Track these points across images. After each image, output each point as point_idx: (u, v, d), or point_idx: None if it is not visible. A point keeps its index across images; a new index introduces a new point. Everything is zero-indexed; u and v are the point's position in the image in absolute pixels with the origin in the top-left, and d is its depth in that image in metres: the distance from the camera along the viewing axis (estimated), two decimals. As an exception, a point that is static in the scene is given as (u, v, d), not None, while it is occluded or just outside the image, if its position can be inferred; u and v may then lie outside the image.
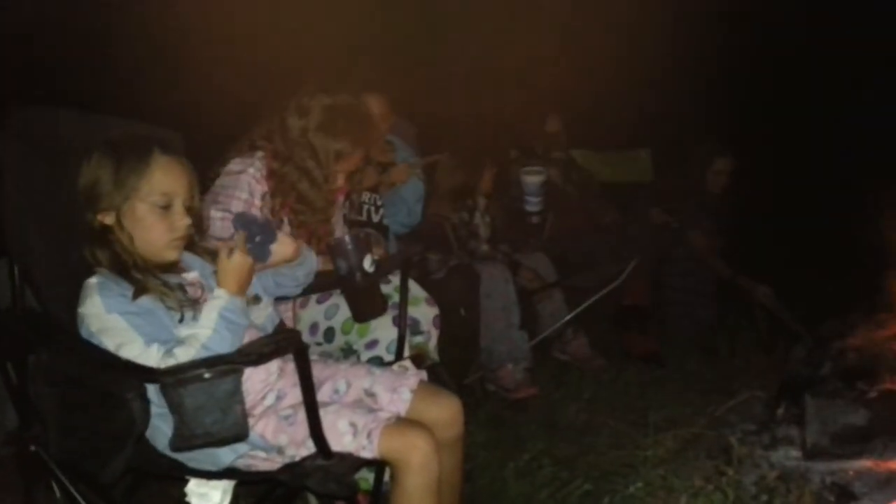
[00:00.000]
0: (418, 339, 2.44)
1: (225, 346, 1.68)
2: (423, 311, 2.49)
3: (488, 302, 3.41)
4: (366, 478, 2.21)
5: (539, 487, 2.48)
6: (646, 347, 3.94)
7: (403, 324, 2.34)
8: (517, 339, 3.41)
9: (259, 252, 1.90)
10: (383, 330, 2.32)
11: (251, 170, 2.34)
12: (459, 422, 2.04)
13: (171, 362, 1.64)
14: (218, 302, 1.74)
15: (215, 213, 2.24)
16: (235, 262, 1.80)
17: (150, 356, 1.65)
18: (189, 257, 1.94)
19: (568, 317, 3.79)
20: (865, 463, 2.50)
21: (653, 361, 3.82)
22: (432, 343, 2.48)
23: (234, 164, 2.36)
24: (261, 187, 2.35)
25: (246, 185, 2.32)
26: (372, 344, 2.32)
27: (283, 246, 2.00)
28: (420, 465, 1.77)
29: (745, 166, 4.49)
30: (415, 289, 2.49)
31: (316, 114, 2.37)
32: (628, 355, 3.92)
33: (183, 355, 1.65)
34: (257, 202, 2.33)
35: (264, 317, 2.00)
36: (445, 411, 2.02)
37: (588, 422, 3.05)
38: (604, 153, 5.10)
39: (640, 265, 4.03)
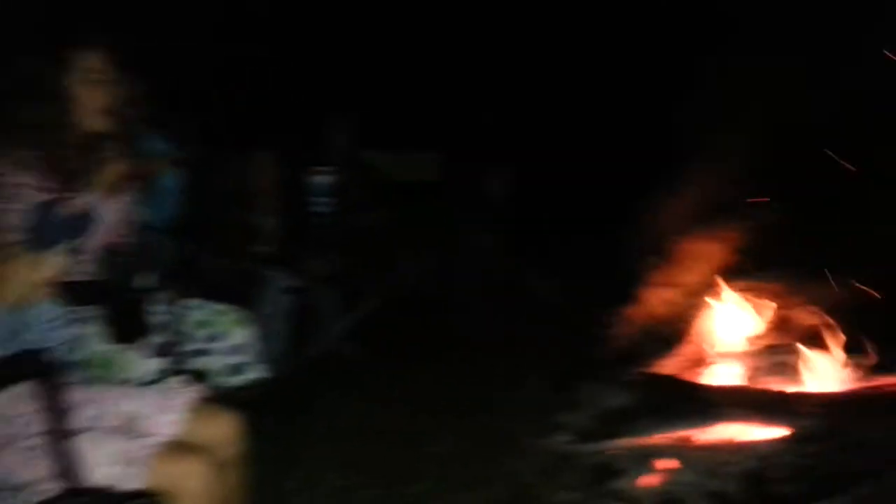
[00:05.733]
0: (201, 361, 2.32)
1: None
2: (246, 334, 2.40)
3: (261, 305, 3.38)
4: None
5: (324, 498, 2.42)
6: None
7: (173, 338, 2.20)
8: (274, 348, 3.37)
9: None
10: (138, 364, 2.13)
11: None
12: (239, 440, 1.94)
13: None
14: None
15: None
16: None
17: None
18: None
19: (354, 317, 3.78)
20: (627, 441, 2.71)
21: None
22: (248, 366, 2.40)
23: None
24: None
25: None
26: (128, 382, 2.13)
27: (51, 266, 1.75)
28: (195, 493, 1.66)
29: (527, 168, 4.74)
30: (237, 311, 2.41)
31: None
32: (418, 354, 3.96)
33: None
34: None
35: None
36: (222, 429, 1.91)
37: (374, 423, 3.03)
38: (392, 154, 5.17)
39: (423, 263, 4.12)
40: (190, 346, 2.42)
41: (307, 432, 2.87)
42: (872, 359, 2.83)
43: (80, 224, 1.84)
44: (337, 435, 2.88)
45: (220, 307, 2.47)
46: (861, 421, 2.52)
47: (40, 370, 1.51)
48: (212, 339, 2.41)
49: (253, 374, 2.44)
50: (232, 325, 2.42)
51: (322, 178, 3.77)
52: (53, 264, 1.75)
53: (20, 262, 1.69)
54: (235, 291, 3.26)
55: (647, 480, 2.50)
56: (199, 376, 2.33)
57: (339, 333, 3.82)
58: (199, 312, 2.45)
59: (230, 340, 2.41)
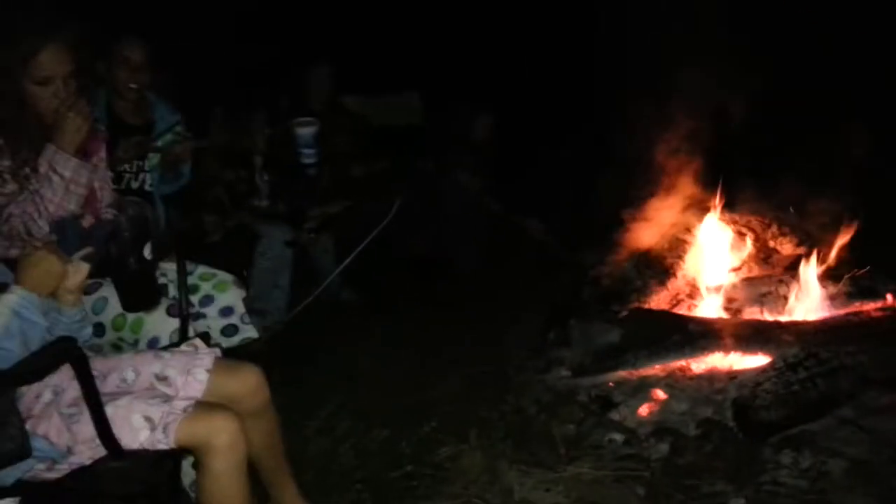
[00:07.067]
0: (203, 322, 2.39)
1: (13, 344, 1.63)
2: (234, 295, 2.47)
3: (261, 260, 3.49)
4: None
5: (339, 441, 2.54)
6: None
7: (185, 302, 2.26)
8: (277, 300, 3.52)
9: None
10: (160, 324, 2.21)
11: None
12: (263, 389, 2.03)
13: None
14: (10, 297, 1.67)
15: None
16: (34, 257, 1.74)
17: None
18: None
19: (346, 260, 3.84)
20: (621, 374, 2.85)
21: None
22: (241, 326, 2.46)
23: None
24: None
25: None
26: (152, 342, 2.20)
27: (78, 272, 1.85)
28: (226, 446, 1.75)
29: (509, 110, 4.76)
30: (222, 274, 2.49)
31: None
32: (413, 298, 4.05)
33: None
34: None
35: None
36: (246, 382, 2.00)
37: (379, 370, 3.14)
38: (375, 98, 5.15)
39: (417, 211, 4.18)
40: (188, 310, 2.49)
41: (317, 381, 2.97)
42: (850, 285, 2.97)
43: (97, 234, 1.91)
44: (345, 382, 2.99)
45: (205, 271, 2.52)
46: (839, 346, 2.67)
47: (76, 357, 1.59)
48: (201, 302, 2.47)
49: (247, 334, 2.52)
50: (218, 287, 2.49)
51: (306, 130, 3.77)
52: (79, 271, 1.85)
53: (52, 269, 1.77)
54: (235, 251, 3.33)
55: (643, 410, 2.65)
56: (203, 337, 2.41)
57: (336, 281, 3.90)
58: (188, 278, 2.51)
59: (219, 303, 2.48)
